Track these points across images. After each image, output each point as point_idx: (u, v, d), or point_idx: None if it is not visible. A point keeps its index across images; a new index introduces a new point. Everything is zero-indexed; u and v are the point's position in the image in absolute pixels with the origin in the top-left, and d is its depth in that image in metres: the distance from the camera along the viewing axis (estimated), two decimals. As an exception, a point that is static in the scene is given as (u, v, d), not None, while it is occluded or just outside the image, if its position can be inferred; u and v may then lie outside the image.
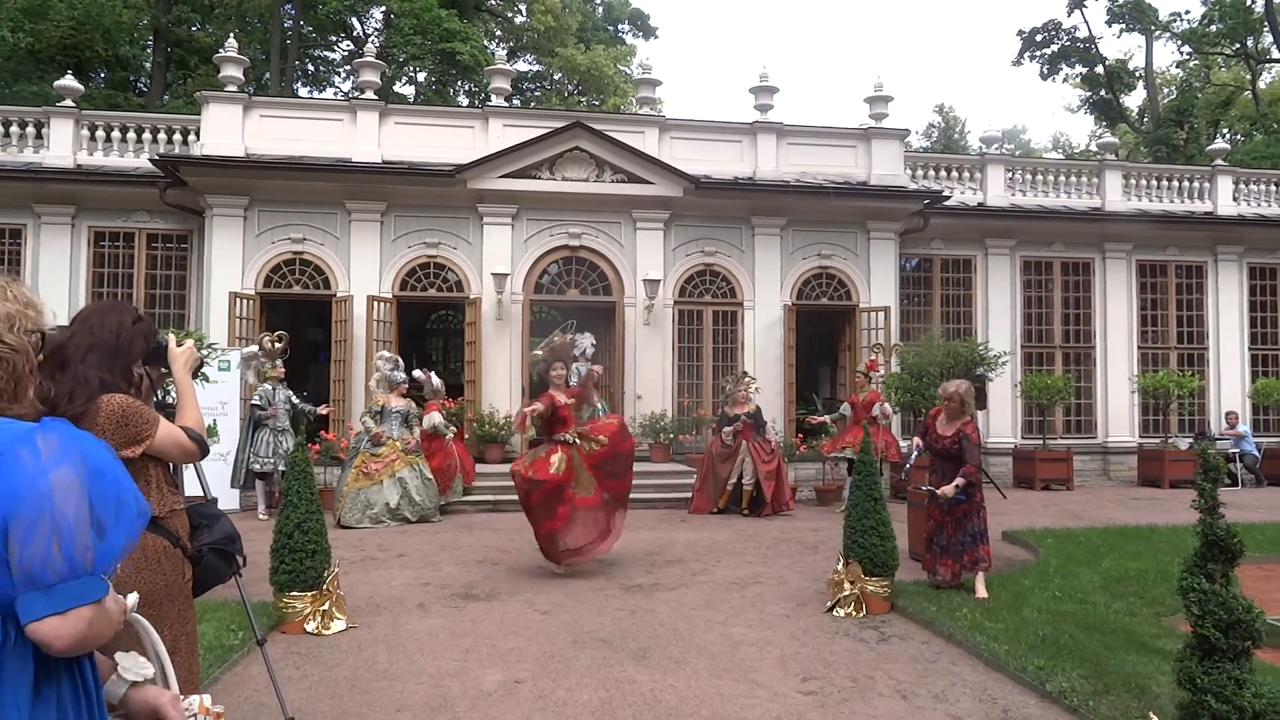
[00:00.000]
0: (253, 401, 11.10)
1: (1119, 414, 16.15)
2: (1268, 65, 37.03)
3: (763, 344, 14.24)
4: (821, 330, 16.26)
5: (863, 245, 14.64)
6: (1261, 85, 39.28)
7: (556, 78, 33.55)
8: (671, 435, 13.31)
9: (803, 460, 13.44)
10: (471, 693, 4.61)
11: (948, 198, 14.95)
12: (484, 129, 13.79)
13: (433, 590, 7.00)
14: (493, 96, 14.47)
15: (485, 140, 13.65)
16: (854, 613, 6.22)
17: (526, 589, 7.06)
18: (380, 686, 4.71)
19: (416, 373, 11.73)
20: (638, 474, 12.26)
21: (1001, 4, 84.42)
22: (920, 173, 15.91)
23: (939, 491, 6.69)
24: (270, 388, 11.11)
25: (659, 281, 13.66)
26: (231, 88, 13.33)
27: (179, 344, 2.97)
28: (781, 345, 14.22)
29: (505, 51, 31.06)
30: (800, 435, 13.83)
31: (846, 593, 6.29)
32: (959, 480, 6.61)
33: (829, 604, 6.35)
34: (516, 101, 30.96)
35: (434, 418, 11.26)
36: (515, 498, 11.16)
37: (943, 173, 16.14)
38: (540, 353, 8.42)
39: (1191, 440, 15.57)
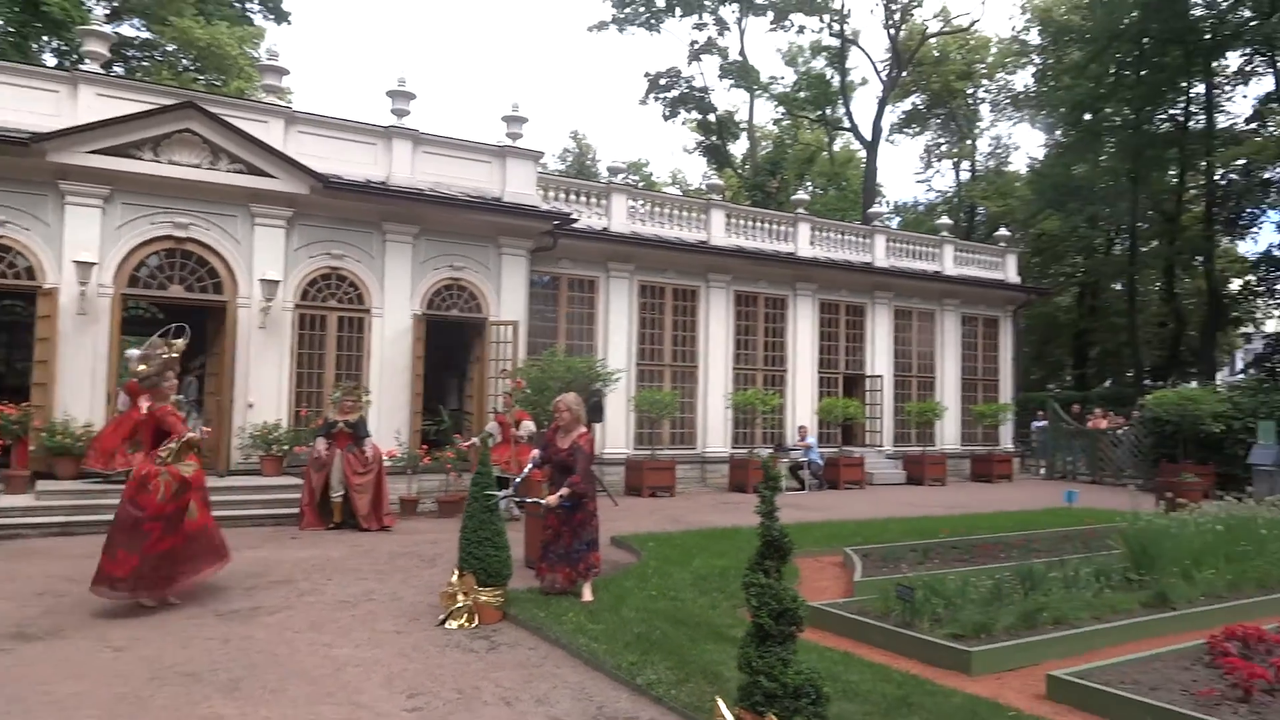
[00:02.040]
0: None
1: (715, 427, 18.01)
2: (840, 132, 43.69)
3: (391, 353, 13.90)
4: (452, 342, 16.25)
5: (495, 260, 14.90)
6: (836, 148, 46.31)
7: (170, 49, 30.17)
8: (286, 446, 12.49)
9: (427, 472, 13.31)
10: (13, 750, 3.96)
11: (576, 220, 15.72)
12: (72, 95, 11.98)
13: (-29, 632, 5.90)
14: (86, 60, 12.65)
15: (74, 109, 11.87)
16: (467, 624, 6.27)
17: (98, 624, 6.20)
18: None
19: None
20: (247, 488, 11.48)
21: (636, 44, 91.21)
22: (552, 194, 16.56)
23: (544, 502, 6.99)
24: None
25: (279, 283, 12.79)
26: None
27: None
28: (410, 355, 13.98)
29: (106, 11, 27.36)
30: (425, 446, 13.70)
31: (460, 604, 6.32)
32: (563, 491, 6.94)
33: (442, 617, 6.34)
34: (119, 70, 27.37)
35: None
36: (90, 519, 9.91)
37: (573, 196, 16.95)
38: (143, 367, 7.36)
39: (771, 450, 17.83)
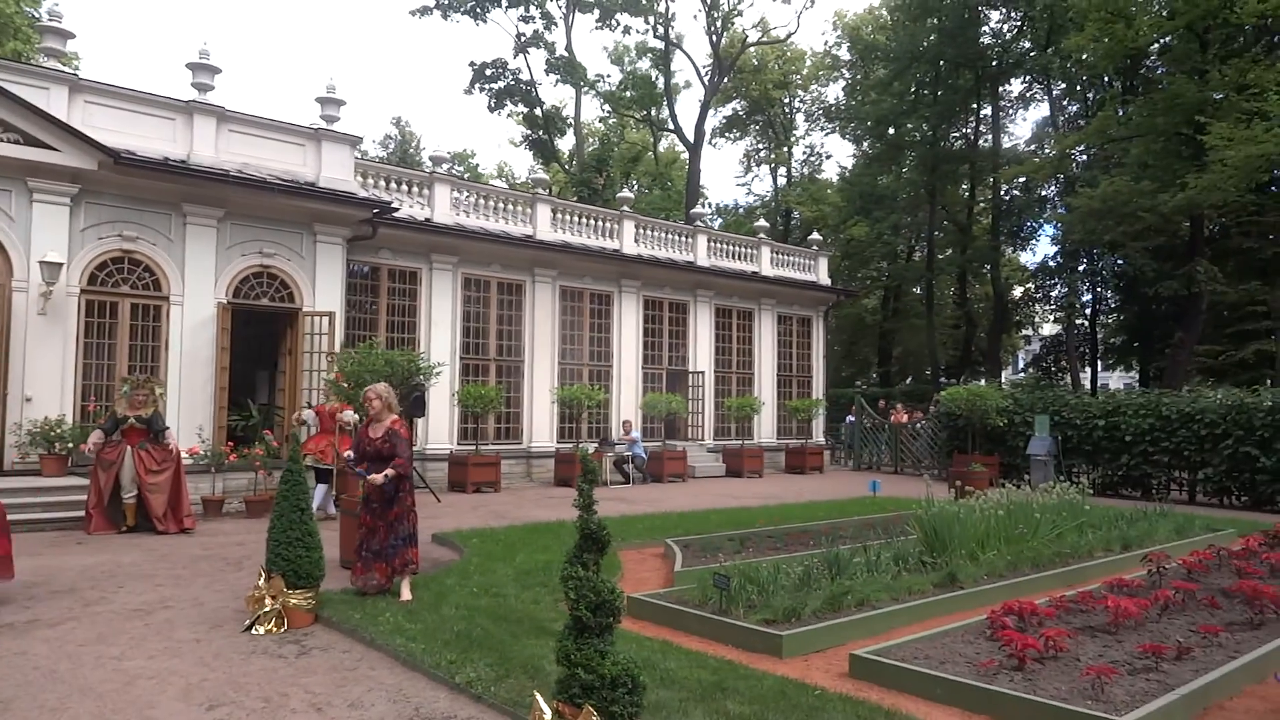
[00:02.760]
0: None
1: (541, 422, 17.97)
2: (664, 133, 44.60)
3: (192, 344, 12.99)
4: (261, 332, 15.38)
5: (309, 247, 14.22)
6: (660, 148, 47.25)
7: (-70, 1, 26.88)
8: (70, 445, 11.43)
9: (234, 470, 12.53)
10: None
11: (397, 209, 15.25)
12: None
13: None
14: None
15: None
16: (275, 629, 5.95)
17: None
18: None
19: None
20: (25, 490, 10.40)
21: (461, 32, 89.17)
22: (372, 181, 15.99)
23: (369, 478, 6.75)
24: None
25: (61, 265, 11.67)
26: None
27: None
28: (214, 346, 13.12)
29: None
30: (231, 444, 12.90)
31: (268, 608, 6.00)
32: (389, 470, 6.75)
33: (248, 622, 5.99)
34: None
35: None
36: None
37: (394, 184, 16.42)
38: None
39: (596, 445, 18.00)
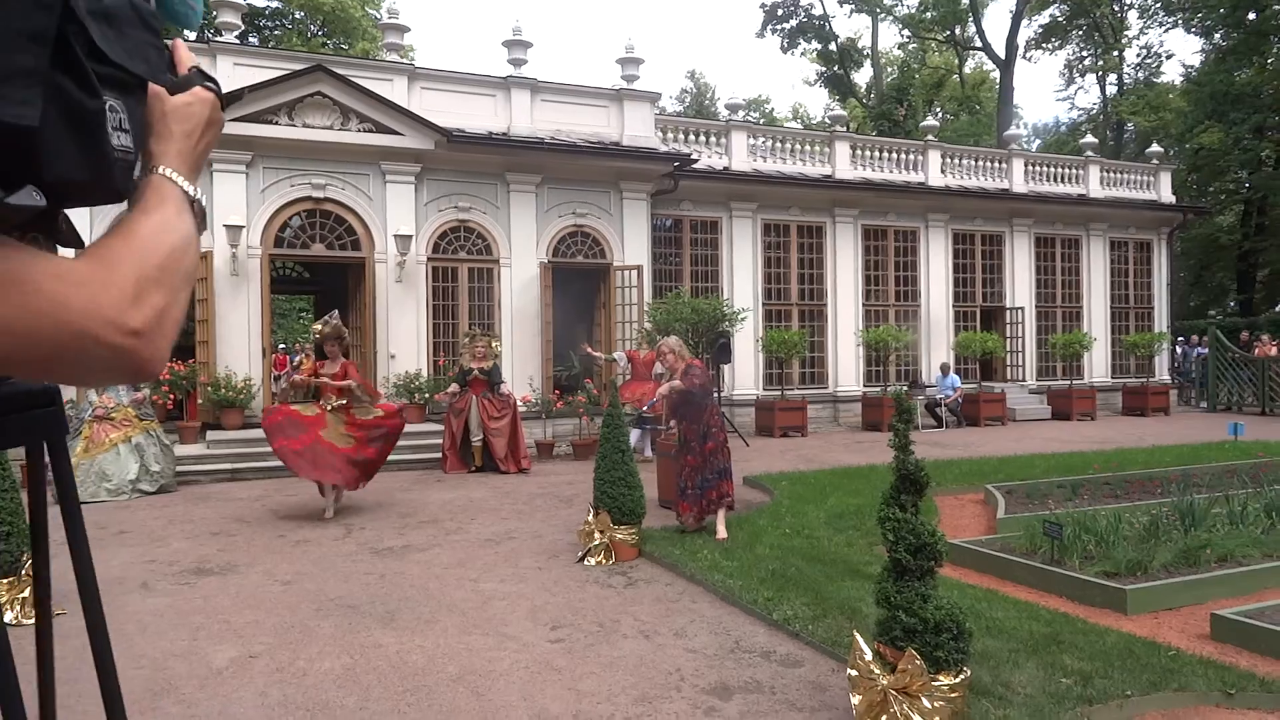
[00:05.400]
0: None
1: (846, 365, 17.67)
2: (971, 53, 41.37)
3: (520, 301, 14.21)
4: (578, 288, 16.45)
5: (616, 205, 14.94)
6: (967, 70, 43.93)
7: (298, 16, 31.29)
8: (426, 395, 13.02)
9: (560, 416, 13.63)
10: (200, 672, 4.32)
11: (696, 161, 15.54)
12: (211, 67, 12.59)
13: (158, 568, 6.45)
14: (221, 31, 13.26)
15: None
16: (604, 561, 6.42)
17: (266, 560, 6.68)
18: (91, 675, 4.28)
19: None
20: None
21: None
22: (671, 135, 16.40)
23: (663, 388, 7.25)
24: None
25: (411, 237, 13.22)
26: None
27: None
28: (539, 303, 14.26)
29: (239, -17, 28.53)
30: (557, 392, 14.01)
31: (597, 542, 6.48)
32: (676, 382, 7.14)
33: (580, 554, 6.52)
34: (254, 40, 28.58)
35: None
36: (256, 465, 10.87)
37: (692, 136, 16.74)
38: (321, 328, 8.97)
39: (907, 387, 17.38)
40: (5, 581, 5.08)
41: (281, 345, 17.14)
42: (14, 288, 0.69)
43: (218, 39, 12.99)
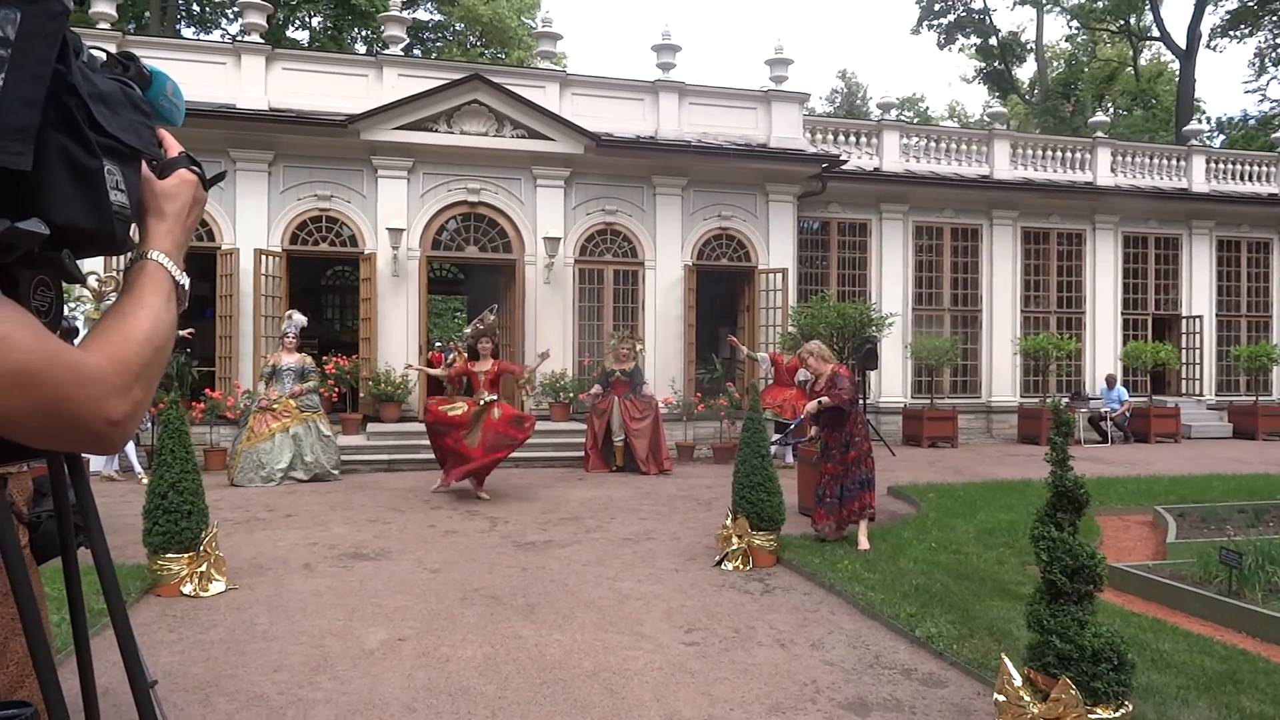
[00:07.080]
0: None
1: (1002, 375, 16.87)
2: (1147, 43, 38.74)
3: (663, 304, 14.31)
4: (722, 291, 16.43)
5: (762, 207, 14.81)
6: (1142, 62, 41.15)
7: (458, 28, 32.65)
8: (571, 394, 13.30)
9: (701, 419, 13.63)
10: (353, 651, 4.56)
11: (844, 162, 15.22)
12: (378, 78, 13.32)
13: (320, 550, 6.86)
14: (388, 45, 13.98)
15: (380, 90, 13.20)
16: (741, 566, 6.37)
17: (417, 548, 6.99)
18: (258, 648, 4.61)
19: None
20: (539, 433, 12.34)
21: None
22: (819, 136, 16.13)
23: (811, 405, 7.10)
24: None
25: (559, 240, 13.54)
26: (104, 25, 12.52)
27: None
28: (682, 305, 14.32)
29: (404, -1, 30.04)
30: (699, 395, 14.02)
31: (734, 547, 6.43)
32: (824, 398, 7.03)
33: (717, 558, 6.49)
34: (417, 52, 30.01)
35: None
36: (410, 457, 11.47)
37: (840, 137, 16.40)
38: (472, 329, 10.04)
39: (1067, 398, 16.42)
40: (186, 556, 5.51)
41: (437, 344, 18.13)
42: (36, 388, 0.83)
43: (384, 52, 13.70)
